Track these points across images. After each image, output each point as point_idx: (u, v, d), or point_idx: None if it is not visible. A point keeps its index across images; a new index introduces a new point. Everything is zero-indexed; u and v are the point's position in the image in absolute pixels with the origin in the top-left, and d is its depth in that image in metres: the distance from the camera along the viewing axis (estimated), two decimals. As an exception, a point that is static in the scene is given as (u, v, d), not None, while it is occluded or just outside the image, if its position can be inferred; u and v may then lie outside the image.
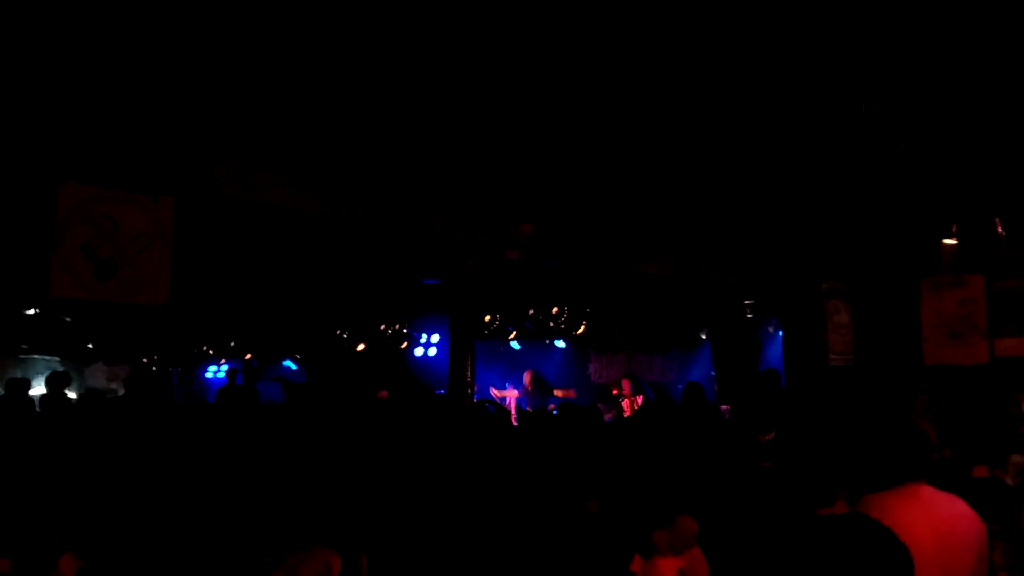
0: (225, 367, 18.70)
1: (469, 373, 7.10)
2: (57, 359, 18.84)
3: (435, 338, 15.33)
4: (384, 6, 4.36)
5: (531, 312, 13.98)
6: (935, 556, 2.94)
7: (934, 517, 3.06)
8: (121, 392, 12.05)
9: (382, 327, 15.16)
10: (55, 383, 9.73)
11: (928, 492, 3.16)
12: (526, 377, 13.97)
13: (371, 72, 5.12)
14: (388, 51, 4.80)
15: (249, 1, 4.26)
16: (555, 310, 13.53)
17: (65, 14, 4.21)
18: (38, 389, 13.38)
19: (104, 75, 4.87)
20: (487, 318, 14.01)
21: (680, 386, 13.32)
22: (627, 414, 11.14)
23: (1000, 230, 8.35)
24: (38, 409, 9.78)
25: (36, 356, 19.09)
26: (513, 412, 11.79)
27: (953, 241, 8.69)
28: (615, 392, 12.90)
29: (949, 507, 3.16)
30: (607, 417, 10.38)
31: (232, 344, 18.53)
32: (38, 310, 14.10)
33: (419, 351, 15.59)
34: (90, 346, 19.19)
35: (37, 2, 4.09)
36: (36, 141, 4.94)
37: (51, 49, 4.57)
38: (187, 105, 5.27)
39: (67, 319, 15.43)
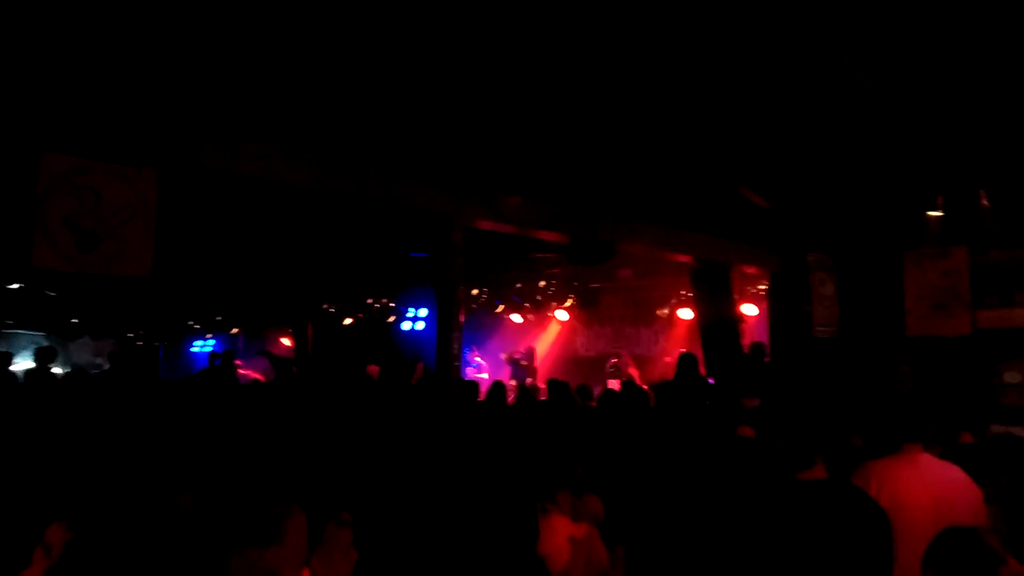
0: (212, 342, 18.68)
1: (455, 347, 7.11)
2: (42, 334, 18.74)
3: (423, 312, 15.35)
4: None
5: (518, 285, 13.99)
6: (933, 521, 2.99)
7: (933, 483, 3.13)
8: (107, 367, 12.01)
9: (369, 301, 15.13)
10: (42, 357, 9.69)
11: (926, 459, 3.22)
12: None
13: (357, 41, 5.07)
14: (372, 19, 4.75)
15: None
16: (542, 283, 13.54)
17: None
18: (23, 364, 13.32)
19: (88, 45, 4.80)
20: (474, 291, 14.01)
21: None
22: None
23: (984, 202, 8.40)
24: (22, 383, 9.74)
25: (20, 331, 18.97)
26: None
27: (938, 213, 8.74)
28: (612, 363, 12.99)
29: (947, 474, 3.22)
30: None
31: (219, 319, 18.47)
32: (22, 285, 13.99)
33: (407, 325, 15.60)
34: (75, 321, 19.08)
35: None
36: (18, 110, 4.87)
37: (35, 20, 4.50)
38: (171, 76, 5.20)
39: (51, 294, 15.32)
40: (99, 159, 4.87)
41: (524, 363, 13.85)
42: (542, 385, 12.59)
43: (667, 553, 3.57)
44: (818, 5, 4.87)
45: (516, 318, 15.08)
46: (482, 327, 15.75)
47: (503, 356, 14.41)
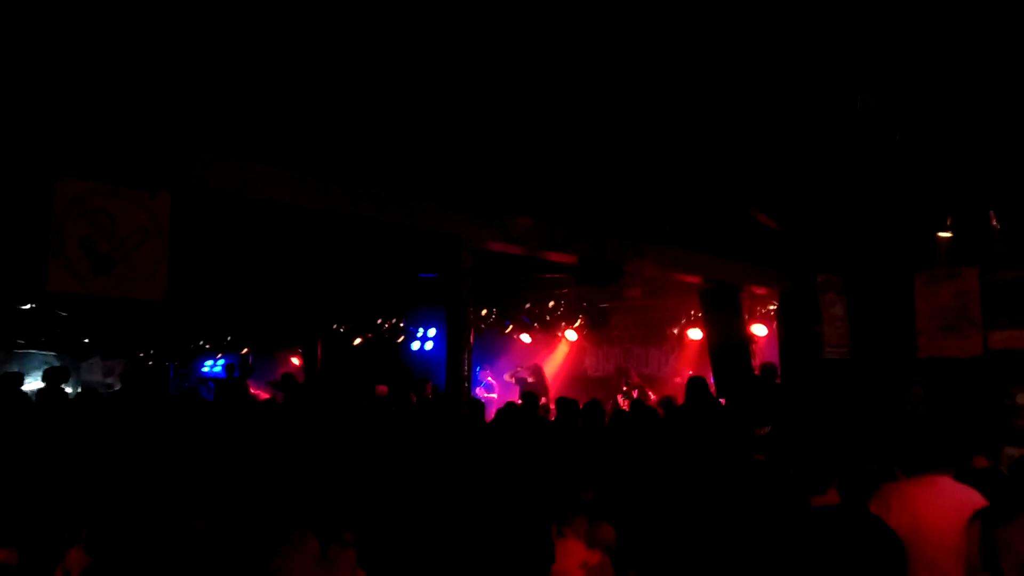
0: (222, 361, 18.73)
1: (466, 367, 7.11)
2: (53, 354, 18.82)
3: (432, 332, 15.37)
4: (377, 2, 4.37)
5: (527, 306, 14.00)
6: (956, 544, 2.97)
7: (954, 505, 3.10)
8: (117, 387, 12.06)
9: (379, 321, 15.16)
10: (53, 377, 9.74)
11: (947, 483, 3.20)
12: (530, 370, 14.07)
13: (366, 66, 5.13)
14: (382, 45, 4.80)
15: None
16: (551, 303, 13.54)
17: (63, 11, 4.21)
18: (34, 384, 13.38)
19: (101, 71, 4.87)
20: (483, 311, 14.02)
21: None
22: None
23: (994, 223, 8.37)
24: (34, 403, 9.78)
25: (32, 351, 19.07)
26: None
27: (948, 234, 8.72)
28: (624, 387, 12.94)
29: (967, 496, 3.19)
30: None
31: (229, 339, 18.52)
32: (34, 305, 14.08)
33: (416, 345, 15.62)
34: (86, 341, 19.17)
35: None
36: (34, 136, 4.93)
37: (49, 45, 4.56)
38: (183, 100, 5.27)
39: (63, 314, 15.40)
40: (113, 183, 4.92)
41: (531, 380, 13.82)
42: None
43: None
44: (825, 26, 4.90)
45: (525, 338, 15.08)
46: (492, 348, 15.76)
47: (507, 377, 14.37)
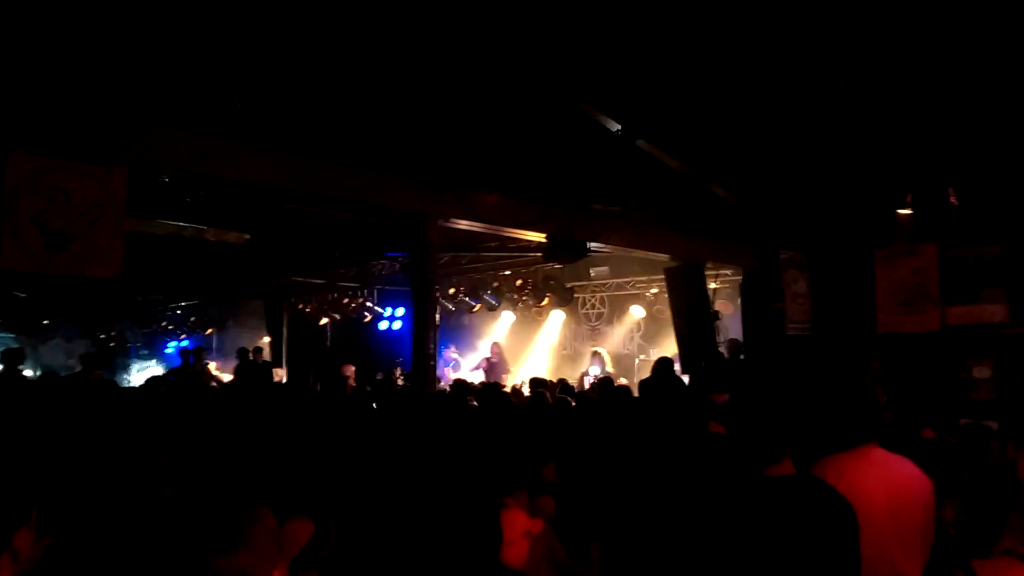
0: (186, 343, 18.51)
1: (431, 345, 7.11)
2: (12, 335, 18.47)
3: (400, 311, 15.32)
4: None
5: (496, 285, 13.98)
6: (888, 515, 3.06)
7: (886, 478, 3.17)
8: (79, 369, 11.86)
9: (345, 300, 15.06)
10: (10, 359, 9.56)
11: (879, 454, 3.27)
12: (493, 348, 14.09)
13: (329, 39, 5.06)
14: (345, 18, 4.74)
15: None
16: (519, 282, 13.54)
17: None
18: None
19: (55, 43, 4.75)
20: (451, 290, 13.99)
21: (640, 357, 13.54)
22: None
23: (953, 200, 8.53)
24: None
25: (-11, 333, 18.69)
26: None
27: (907, 211, 8.86)
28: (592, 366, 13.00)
29: (899, 468, 3.27)
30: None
31: (192, 319, 18.29)
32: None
33: (383, 324, 15.56)
34: (45, 322, 18.83)
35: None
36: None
37: (2, 19, 4.44)
38: (141, 74, 5.16)
39: (21, 295, 15.10)
40: (67, 158, 4.80)
41: (495, 360, 13.83)
42: (510, 380, 12.63)
43: (641, 550, 3.60)
44: (791, 10, 4.94)
45: (510, 316, 15.09)
46: (459, 326, 15.76)
47: (472, 369, 14.25)
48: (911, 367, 8.76)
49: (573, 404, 7.15)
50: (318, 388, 10.16)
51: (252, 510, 2.09)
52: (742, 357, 10.29)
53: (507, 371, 13.73)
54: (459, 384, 8.21)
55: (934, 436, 4.51)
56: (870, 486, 3.08)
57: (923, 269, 8.88)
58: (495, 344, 14.42)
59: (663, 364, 8.25)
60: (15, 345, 14.42)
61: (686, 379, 8.98)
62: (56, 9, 4.45)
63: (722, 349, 10.35)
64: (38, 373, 13.74)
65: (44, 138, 4.83)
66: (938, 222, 8.78)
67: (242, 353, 13.37)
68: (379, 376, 12.63)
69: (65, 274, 4.62)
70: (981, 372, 8.82)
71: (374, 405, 7.28)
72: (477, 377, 13.07)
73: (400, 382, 11.92)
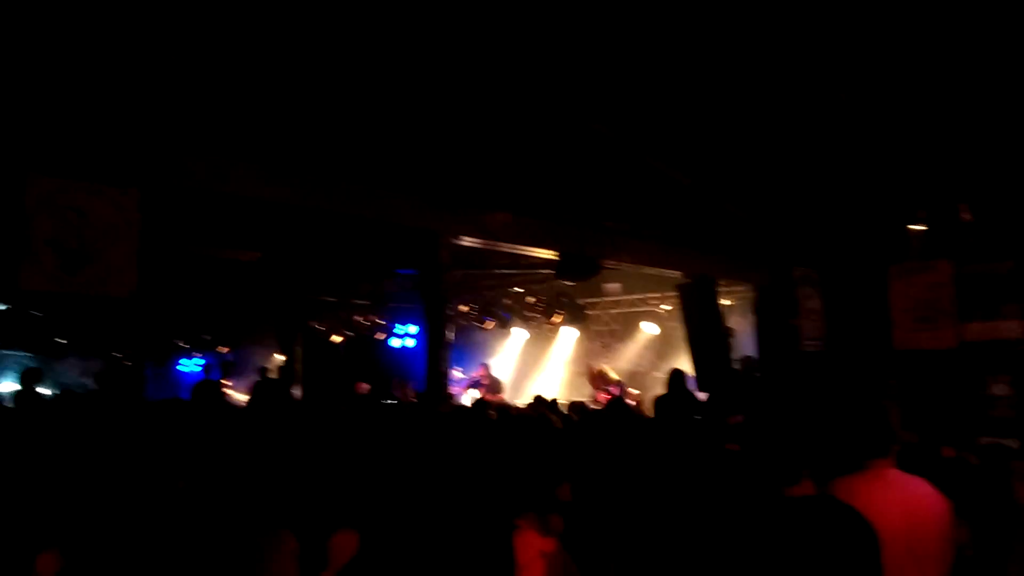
0: (200, 361, 18.57)
1: (443, 363, 7.11)
2: (28, 355, 18.57)
3: (412, 329, 15.32)
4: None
5: (508, 302, 13.99)
6: (904, 537, 2.99)
7: (901, 499, 3.11)
8: (94, 387, 11.93)
9: (358, 318, 15.10)
10: (28, 378, 9.62)
11: (895, 474, 3.20)
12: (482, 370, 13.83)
13: (344, 64, 5.10)
14: (356, 38, 4.78)
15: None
16: (531, 299, 13.54)
17: (37, 8, 4.15)
18: (8, 385, 13.20)
19: (72, 67, 4.81)
20: (463, 308, 13.99)
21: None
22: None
23: (966, 216, 8.47)
24: (9, 405, 9.65)
25: (6, 351, 18.80)
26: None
27: (921, 227, 8.81)
28: (603, 385, 12.81)
29: (915, 489, 3.20)
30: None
31: (207, 338, 18.37)
32: (8, 306, 13.89)
33: (396, 342, 15.57)
34: (62, 341, 18.93)
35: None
36: (4, 133, 4.86)
37: (19, 40, 4.50)
38: (154, 96, 5.21)
39: (38, 314, 15.20)
40: (83, 179, 4.86)
41: (485, 382, 13.54)
42: (505, 400, 12.35)
43: (659, 570, 3.57)
44: (803, 24, 4.93)
45: (523, 333, 14.99)
46: (470, 343, 15.73)
47: (462, 388, 13.89)
48: (928, 384, 8.67)
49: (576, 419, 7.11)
50: (334, 405, 10.17)
51: (273, 535, 2.09)
52: (756, 374, 10.23)
53: (500, 392, 13.37)
54: (480, 403, 8.15)
55: (954, 455, 4.45)
56: (886, 508, 3.02)
57: (938, 285, 8.81)
58: (483, 365, 14.06)
59: (676, 377, 8.21)
60: (31, 364, 14.53)
61: (701, 396, 8.95)
62: (70, 32, 4.51)
63: (736, 366, 10.30)
64: (54, 391, 13.81)
65: (60, 160, 4.89)
66: (952, 238, 8.73)
67: (262, 372, 13.40)
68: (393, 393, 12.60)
69: (82, 293, 4.66)
70: (1000, 389, 8.73)
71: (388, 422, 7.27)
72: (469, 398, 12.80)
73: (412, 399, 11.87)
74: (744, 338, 11.34)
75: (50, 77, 4.87)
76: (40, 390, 10.30)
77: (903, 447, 3.56)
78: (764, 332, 10.21)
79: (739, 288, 11.38)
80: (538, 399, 9.26)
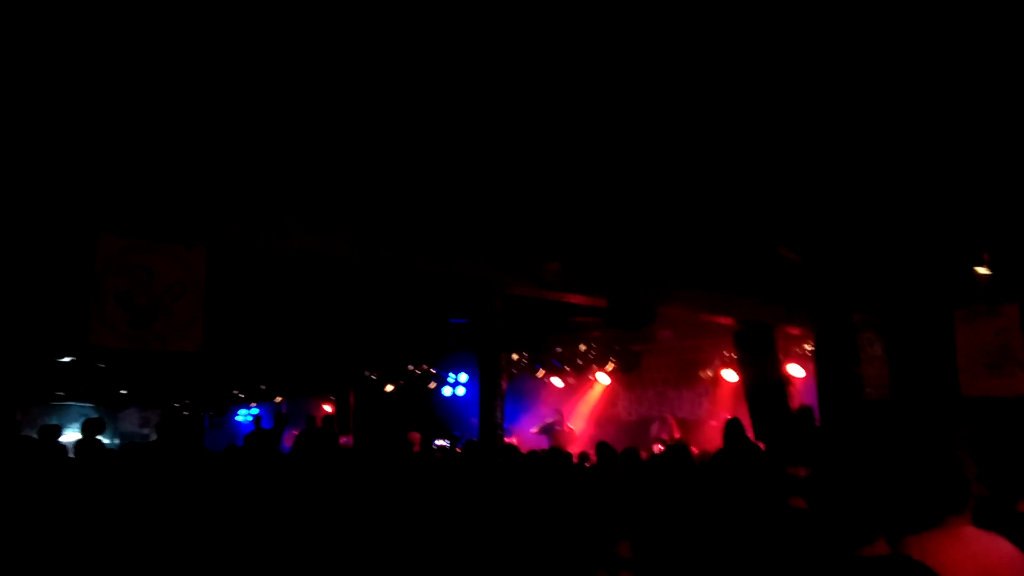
0: (255, 411, 18.85)
1: (499, 414, 7.08)
2: (91, 405, 19.08)
3: (463, 377, 15.36)
4: (408, 47, 4.43)
5: (559, 350, 13.94)
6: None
7: (978, 557, 2.97)
8: (153, 437, 12.17)
9: (410, 367, 15.20)
10: (89, 429, 9.86)
11: (971, 531, 3.07)
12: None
13: (399, 121, 5.21)
14: (417, 97, 4.88)
15: (276, 56, 4.36)
16: (582, 347, 13.48)
17: (99, 69, 4.34)
18: (72, 435, 13.55)
19: (138, 130, 5.00)
20: (515, 356, 13.99)
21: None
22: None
23: (1033, 258, 8.22)
24: (72, 454, 9.89)
25: (70, 402, 19.35)
26: None
27: (985, 270, 8.56)
28: (663, 435, 12.67)
29: (994, 546, 3.06)
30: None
31: (263, 387, 18.66)
32: (73, 358, 14.32)
33: (447, 391, 15.61)
34: (123, 392, 19.41)
35: (73, 58, 4.22)
36: (74, 193, 5.07)
37: (86, 104, 4.70)
38: (219, 157, 5.39)
39: (101, 366, 15.64)
40: (151, 238, 5.03)
41: (558, 428, 13.63)
42: (576, 450, 12.34)
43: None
44: (856, 55, 4.86)
45: (557, 382, 14.98)
46: (523, 392, 15.68)
47: (534, 431, 14.09)
48: (998, 434, 8.34)
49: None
50: (384, 455, 10.19)
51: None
52: (816, 424, 9.96)
53: (573, 439, 13.46)
54: (556, 451, 8.06)
55: (1032, 509, 4.25)
56: (964, 567, 2.89)
57: (1006, 330, 8.53)
58: (557, 410, 14.23)
59: (733, 427, 8.03)
60: (93, 414, 14.90)
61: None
62: (138, 95, 4.70)
63: (794, 415, 10.06)
64: (115, 441, 14.13)
65: (129, 219, 5.07)
66: (1018, 281, 8.46)
67: (309, 421, 13.54)
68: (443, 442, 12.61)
69: (149, 349, 4.78)
70: (1077, 439, 8.35)
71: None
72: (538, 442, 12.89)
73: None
74: (804, 386, 11.10)
75: (120, 140, 5.07)
76: (101, 440, 10.54)
77: (976, 502, 3.41)
78: (825, 380, 9.97)
79: (797, 334, 11.17)
80: (603, 445, 9.11)
